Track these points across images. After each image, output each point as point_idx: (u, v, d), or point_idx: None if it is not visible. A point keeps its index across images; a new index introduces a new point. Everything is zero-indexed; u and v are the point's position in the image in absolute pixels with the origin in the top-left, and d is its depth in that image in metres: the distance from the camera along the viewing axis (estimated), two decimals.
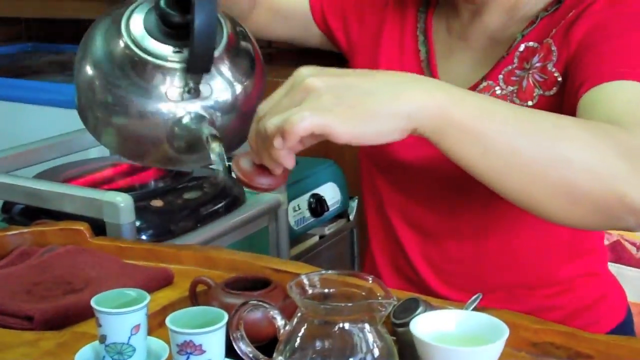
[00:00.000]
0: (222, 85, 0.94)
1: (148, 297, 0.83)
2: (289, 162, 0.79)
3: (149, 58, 0.91)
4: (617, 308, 1.20)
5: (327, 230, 2.00)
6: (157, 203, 1.49)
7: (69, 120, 2.01)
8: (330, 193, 1.96)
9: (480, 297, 0.92)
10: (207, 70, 0.91)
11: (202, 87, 0.92)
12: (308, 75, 0.77)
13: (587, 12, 0.99)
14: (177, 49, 0.92)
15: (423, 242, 1.15)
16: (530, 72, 1.03)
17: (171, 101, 0.91)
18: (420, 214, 1.15)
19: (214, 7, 0.87)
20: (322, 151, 2.17)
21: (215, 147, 0.88)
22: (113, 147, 1.00)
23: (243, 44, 0.99)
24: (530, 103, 1.02)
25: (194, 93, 0.91)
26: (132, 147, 0.96)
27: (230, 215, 1.53)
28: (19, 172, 1.60)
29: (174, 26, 0.92)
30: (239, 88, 0.95)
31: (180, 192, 1.54)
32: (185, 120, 0.91)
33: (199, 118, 0.91)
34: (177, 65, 0.91)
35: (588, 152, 0.76)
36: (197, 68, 0.90)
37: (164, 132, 0.92)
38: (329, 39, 1.27)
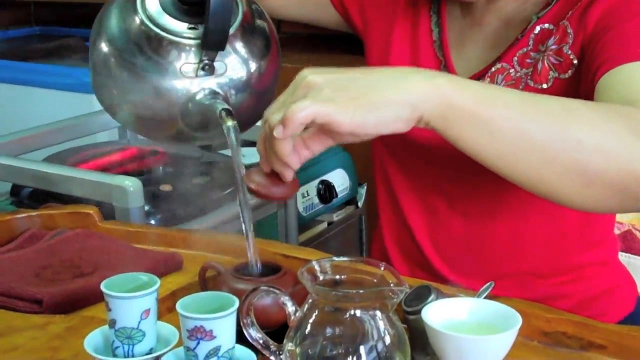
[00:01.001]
0: (237, 63, 0.94)
1: (158, 282, 0.82)
2: (294, 161, 0.80)
3: (164, 34, 0.92)
4: (627, 299, 1.19)
5: (336, 216, 1.99)
6: (166, 187, 1.49)
7: (77, 103, 2.02)
8: (339, 180, 1.95)
9: (493, 285, 0.91)
10: (221, 47, 0.91)
11: (217, 65, 0.92)
12: (309, 73, 0.78)
13: None
14: (192, 26, 0.92)
15: (431, 225, 1.15)
16: (546, 54, 1.02)
17: (185, 77, 0.91)
18: (429, 195, 1.14)
19: None
20: None
21: (228, 122, 0.88)
22: (128, 123, 1.01)
23: (259, 22, 0.99)
24: (544, 86, 1.01)
25: (208, 70, 0.91)
26: (146, 122, 0.96)
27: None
28: (28, 155, 1.60)
29: (189, 2, 0.92)
30: (253, 66, 0.95)
31: (189, 177, 1.54)
32: (199, 96, 0.91)
33: (213, 94, 0.91)
34: (192, 42, 0.92)
35: (600, 133, 0.75)
36: (211, 45, 0.90)
37: (178, 107, 0.92)
38: (345, 20, 1.26)
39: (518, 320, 0.77)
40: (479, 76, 1.07)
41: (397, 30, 1.16)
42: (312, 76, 0.77)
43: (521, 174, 0.78)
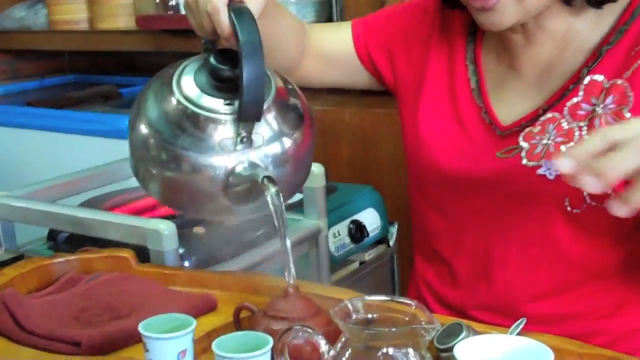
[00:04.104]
0: (273, 135, 0.95)
1: (194, 322, 0.84)
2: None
3: (201, 111, 0.93)
4: None
5: (368, 256, 1.99)
6: (200, 230, 1.50)
7: (112, 149, 2.06)
8: (370, 219, 1.96)
9: (525, 321, 0.91)
10: (258, 118, 0.92)
11: (254, 137, 0.93)
12: None
13: None
14: (228, 102, 0.93)
15: (469, 271, 1.15)
16: (604, 113, 1.02)
17: (225, 152, 0.92)
18: (467, 242, 1.15)
19: (261, 59, 0.90)
20: (361, 177, 2.18)
21: (272, 188, 0.90)
22: (170, 202, 1.02)
23: (292, 96, 1.00)
24: None
25: (246, 142, 0.92)
26: (189, 200, 0.97)
27: (271, 242, 1.54)
28: (64, 200, 1.63)
29: (224, 80, 0.94)
30: (288, 137, 0.96)
31: None
32: (239, 169, 0.92)
33: (252, 166, 0.92)
34: (229, 117, 0.93)
35: None
36: (247, 116, 0.92)
37: (219, 182, 0.93)
38: (376, 77, 1.27)
39: (550, 357, 0.77)
40: (524, 122, 1.08)
41: (428, 81, 1.18)
42: None
43: None
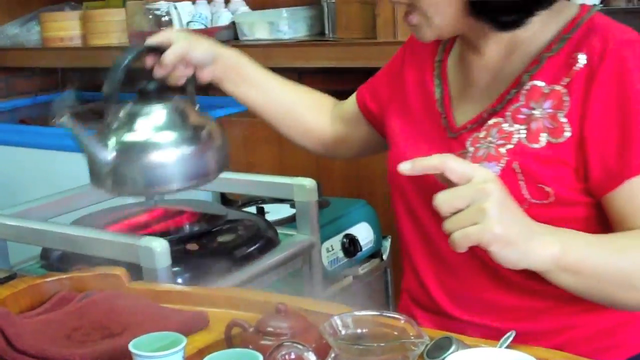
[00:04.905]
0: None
1: (185, 340, 0.84)
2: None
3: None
4: None
5: (361, 270, 2.00)
6: (193, 247, 1.51)
7: None
8: (363, 233, 1.96)
9: (514, 334, 0.92)
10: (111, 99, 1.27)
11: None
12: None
13: (602, 77, 1.03)
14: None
15: (442, 271, 1.18)
16: (541, 117, 1.07)
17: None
18: (437, 243, 1.17)
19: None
20: (354, 192, 2.18)
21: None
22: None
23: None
24: (536, 146, 1.07)
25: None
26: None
27: (264, 258, 1.54)
28: (57, 219, 1.63)
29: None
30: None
31: (214, 236, 1.56)
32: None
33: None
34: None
35: None
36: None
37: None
38: (373, 123, 1.38)
39: None
40: (469, 125, 1.14)
41: (404, 99, 1.27)
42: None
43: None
